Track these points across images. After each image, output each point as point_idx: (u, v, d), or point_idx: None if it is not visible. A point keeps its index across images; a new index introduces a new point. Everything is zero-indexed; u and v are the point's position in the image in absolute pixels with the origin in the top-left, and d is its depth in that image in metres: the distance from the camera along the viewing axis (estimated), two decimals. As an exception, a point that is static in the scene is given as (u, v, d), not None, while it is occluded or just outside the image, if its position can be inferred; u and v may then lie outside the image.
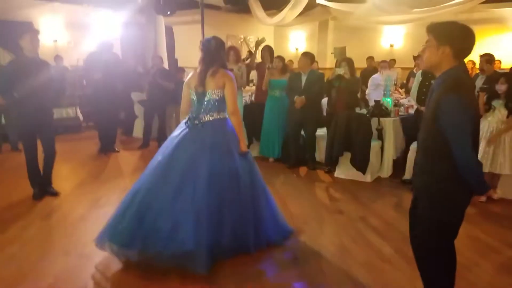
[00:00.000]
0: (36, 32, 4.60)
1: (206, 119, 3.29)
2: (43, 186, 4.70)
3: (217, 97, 3.28)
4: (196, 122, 3.28)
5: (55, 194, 4.72)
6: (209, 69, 3.27)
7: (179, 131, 3.35)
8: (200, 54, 3.35)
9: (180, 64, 10.47)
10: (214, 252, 2.99)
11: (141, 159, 6.58)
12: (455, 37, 2.08)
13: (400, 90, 8.71)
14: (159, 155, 3.28)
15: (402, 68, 9.85)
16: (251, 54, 7.80)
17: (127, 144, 7.69)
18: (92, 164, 6.27)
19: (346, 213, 4.30)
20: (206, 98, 3.29)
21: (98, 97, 6.74)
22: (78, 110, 9.17)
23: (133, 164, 6.29)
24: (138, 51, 9.77)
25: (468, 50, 2.11)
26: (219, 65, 3.31)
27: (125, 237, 2.98)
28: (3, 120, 6.98)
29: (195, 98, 3.35)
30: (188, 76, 3.48)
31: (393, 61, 10.02)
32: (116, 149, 7.09)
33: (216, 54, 3.32)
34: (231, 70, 5.84)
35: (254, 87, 7.77)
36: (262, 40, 6.71)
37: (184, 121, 3.39)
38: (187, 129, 3.30)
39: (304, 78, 5.91)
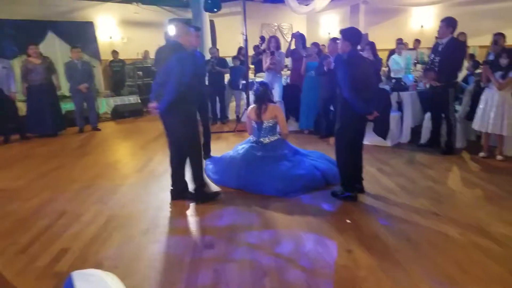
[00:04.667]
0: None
1: (265, 141, 4.85)
2: None
3: (271, 125, 4.83)
4: (258, 144, 4.85)
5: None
6: (261, 107, 4.78)
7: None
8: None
9: (221, 54, 11.59)
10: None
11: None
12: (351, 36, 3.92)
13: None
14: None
15: (429, 48, 10.50)
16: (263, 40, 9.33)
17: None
18: (163, 138, 7.54)
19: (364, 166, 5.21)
20: (263, 126, 4.83)
21: None
22: (138, 98, 10.56)
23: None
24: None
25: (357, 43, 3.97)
26: (267, 101, 4.82)
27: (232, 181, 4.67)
28: (85, 105, 8.36)
29: (255, 125, 4.89)
30: (248, 109, 5.07)
31: (417, 41, 10.69)
32: None
33: (263, 95, 4.80)
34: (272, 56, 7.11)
35: (288, 72, 8.81)
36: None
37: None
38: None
39: (332, 60, 6.86)
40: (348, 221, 3.68)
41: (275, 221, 3.74)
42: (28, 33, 9.53)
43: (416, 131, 6.59)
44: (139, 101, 10.54)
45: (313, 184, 4.54)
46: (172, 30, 5.41)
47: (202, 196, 4.25)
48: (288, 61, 8.82)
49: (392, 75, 8.21)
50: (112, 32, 11.85)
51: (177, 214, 3.98)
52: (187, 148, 4.16)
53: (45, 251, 3.28)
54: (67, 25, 10.55)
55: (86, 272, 1.12)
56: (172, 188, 4.36)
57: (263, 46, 8.74)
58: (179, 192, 4.33)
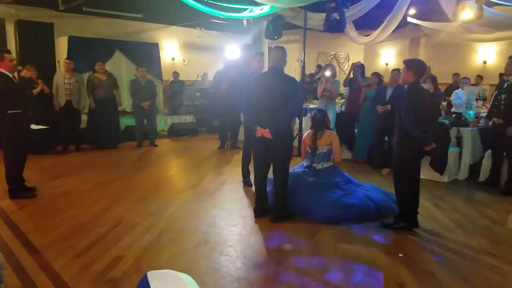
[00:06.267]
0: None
1: (318, 167, 4.84)
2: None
3: (325, 151, 4.81)
4: (311, 169, 4.84)
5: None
6: (318, 133, 4.82)
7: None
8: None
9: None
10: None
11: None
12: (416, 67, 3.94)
13: (487, 105, 9.02)
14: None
15: (491, 85, 10.08)
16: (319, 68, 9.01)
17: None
18: (216, 157, 7.92)
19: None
20: (318, 152, 4.83)
21: (223, 104, 8.20)
22: (194, 118, 10.95)
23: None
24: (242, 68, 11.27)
25: (421, 74, 4.08)
26: (324, 128, 4.88)
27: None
28: (145, 122, 8.74)
29: (309, 151, 4.89)
30: (304, 135, 5.11)
31: (479, 77, 10.33)
32: (239, 146, 8.40)
33: (321, 122, 4.87)
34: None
35: (342, 100, 8.80)
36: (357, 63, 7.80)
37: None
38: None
39: (389, 91, 6.79)
40: (400, 255, 3.57)
41: (324, 248, 3.71)
42: (97, 50, 10.08)
43: (474, 168, 6.33)
44: (195, 120, 10.91)
45: (365, 214, 4.45)
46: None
47: (283, 215, 4.41)
48: (343, 89, 8.83)
49: (453, 109, 7.98)
50: (174, 54, 12.42)
51: (228, 232, 4.05)
52: (283, 167, 4.37)
53: (101, 257, 3.44)
54: (133, 45, 11.14)
55: (161, 271, 1.17)
56: (256, 206, 4.56)
57: (319, 75, 8.83)
58: (264, 210, 4.51)
